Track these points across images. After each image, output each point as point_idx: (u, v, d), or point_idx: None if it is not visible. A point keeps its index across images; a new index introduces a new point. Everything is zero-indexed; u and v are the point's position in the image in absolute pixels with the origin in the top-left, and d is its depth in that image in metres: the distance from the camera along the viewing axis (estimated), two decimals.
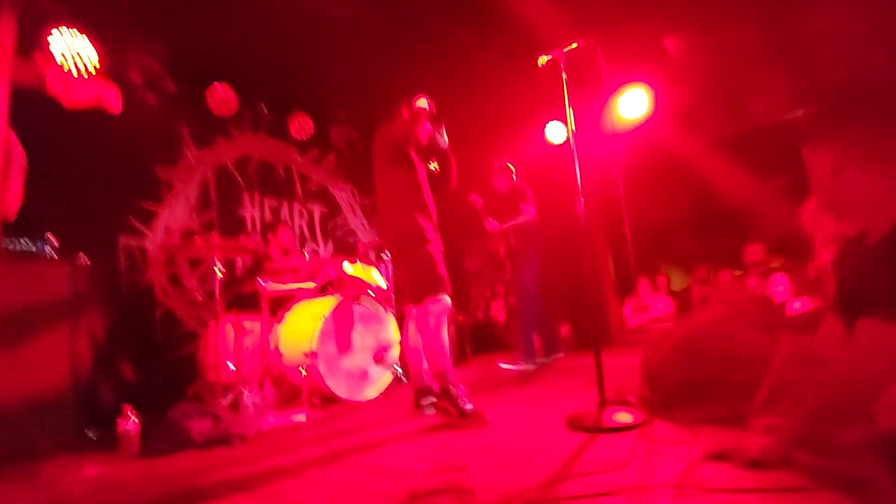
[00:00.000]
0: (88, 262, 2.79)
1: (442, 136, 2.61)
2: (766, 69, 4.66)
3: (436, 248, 2.39)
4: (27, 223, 2.47)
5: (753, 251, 4.75)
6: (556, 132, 5.32)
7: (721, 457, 1.29)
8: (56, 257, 2.67)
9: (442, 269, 2.35)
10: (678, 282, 6.26)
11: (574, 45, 2.15)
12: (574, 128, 2.16)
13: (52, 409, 2.40)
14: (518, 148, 5.29)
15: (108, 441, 2.26)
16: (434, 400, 2.36)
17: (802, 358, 1.26)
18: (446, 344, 2.30)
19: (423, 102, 2.52)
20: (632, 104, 5.05)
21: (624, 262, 5.48)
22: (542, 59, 2.22)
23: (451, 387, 2.21)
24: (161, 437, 2.22)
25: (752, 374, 1.83)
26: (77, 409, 2.49)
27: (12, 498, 1.69)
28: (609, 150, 5.03)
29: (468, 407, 2.15)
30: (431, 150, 2.62)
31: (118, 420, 2.25)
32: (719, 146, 5.07)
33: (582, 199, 2.14)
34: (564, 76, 2.18)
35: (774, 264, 4.43)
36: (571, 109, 2.16)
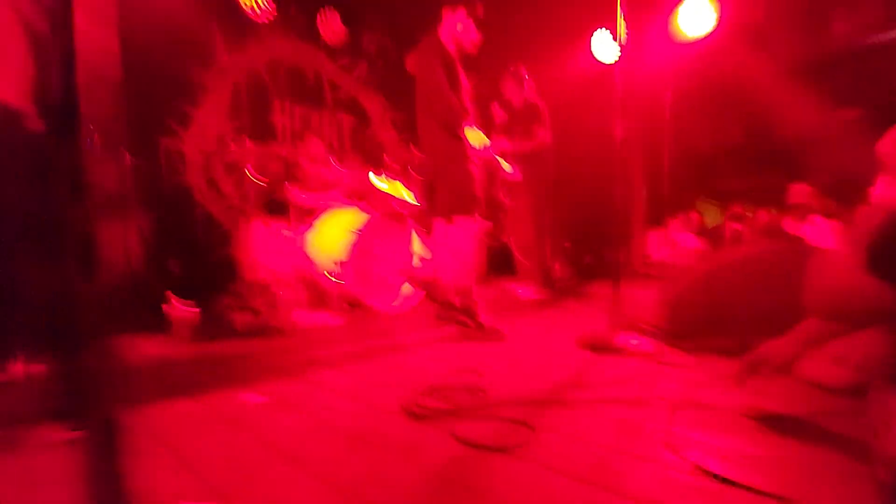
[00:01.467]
0: (131, 161, 2.91)
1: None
2: None
3: (475, 165, 2.37)
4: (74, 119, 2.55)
5: (798, 191, 4.52)
6: (603, 45, 4.89)
7: (751, 368, 1.21)
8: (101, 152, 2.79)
9: (477, 189, 2.35)
10: (712, 217, 6.09)
11: None
12: (624, 38, 2.01)
13: (106, 301, 2.66)
14: (561, 59, 4.94)
15: (163, 326, 2.51)
16: (456, 313, 2.50)
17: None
18: (472, 262, 2.38)
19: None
20: (695, 17, 4.56)
21: (659, 192, 5.32)
22: None
23: (471, 303, 2.32)
24: (208, 326, 2.47)
25: (768, 315, 1.87)
26: (132, 299, 2.74)
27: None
28: (661, 67, 4.64)
29: (486, 322, 2.28)
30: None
31: (168, 308, 2.48)
32: (787, 70, 4.60)
33: (621, 122, 2.06)
34: None
35: (818, 207, 4.23)
36: (623, 16, 1.99)
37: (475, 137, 2.33)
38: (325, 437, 1.15)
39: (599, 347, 1.92)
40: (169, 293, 2.54)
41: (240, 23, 4.26)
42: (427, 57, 2.36)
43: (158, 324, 2.50)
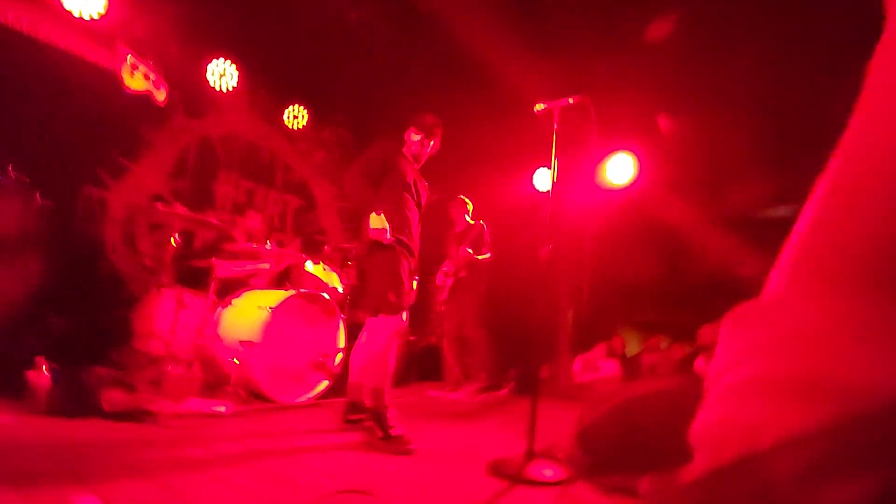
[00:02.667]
0: (43, 203, 2.66)
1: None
2: (752, 164, 4.93)
3: (405, 261, 2.34)
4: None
5: (708, 332, 4.89)
6: (543, 179, 5.44)
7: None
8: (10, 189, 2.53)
9: (405, 285, 2.30)
10: (631, 347, 6.37)
11: (571, 101, 2.22)
12: (556, 177, 2.22)
13: None
14: (508, 188, 5.38)
15: (16, 390, 2.09)
16: (363, 417, 2.30)
17: None
18: (390, 363, 2.25)
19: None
20: (618, 169, 5.24)
21: (583, 317, 5.56)
22: (539, 106, 2.28)
23: (382, 408, 2.15)
24: (70, 398, 2.07)
25: (683, 453, 1.86)
26: None
27: None
28: (589, 206, 5.17)
29: (395, 431, 2.09)
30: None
31: (28, 371, 2.09)
32: (698, 224, 5.27)
33: (550, 246, 2.18)
34: (556, 127, 2.25)
35: None
36: (557, 160, 2.22)
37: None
38: None
39: (512, 476, 1.78)
40: (37, 356, 2.16)
41: (204, 93, 4.34)
42: (395, 160, 2.49)
43: (19, 385, 2.08)
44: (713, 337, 4.37)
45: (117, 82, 3.54)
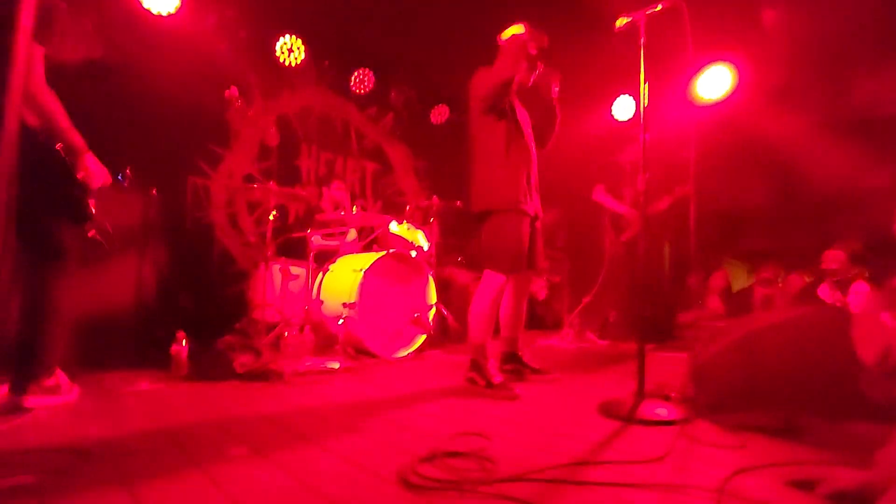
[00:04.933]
0: (159, 196, 2.97)
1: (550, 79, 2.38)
2: (879, 51, 4.08)
3: (518, 218, 2.21)
4: (111, 157, 2.66)
5: (833, 257, 4.30)
6: (624, 108, 4.98)
7: (804, 484, 1.12)
8: (129, 188, 2.85)
9: (513, 244, 2.18)
10: (740, 280, 5.83)
11: (658, 7, 1.94)
12: (647, 102, 1.98)
13: (118, 327, 2.62)
14: (583, 122, 5.02)
15: (164, 361, 2.44)
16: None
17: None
18: (490, 318, 2.22)
19: (520, 29, 2.28)
20: (713, 83, 4.62)
21: (685, 252, 5.16)
22: (621, 21, 2.01)
23: (482, 358, 2.17)
24: (208, 364, 2.38)
25: (819, 386, 1.67)
26: (139, 330, 2.70)
27: (78, 401, 1.86)
28: (683, 129, 4.66)
29: (496, 380, 2.12)
30: (536, 95, 2.40)
31: (172, 344, 2.42)
32: (813, 133, 4.55)
33: (645, 178, 1.98)
34: (642, 42, 1.98)
35: (852, 274, 4.00)
36: (647, 82, 1.97)
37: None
38: (304, 503, 1.01)
39: (623, 416, 1.73)
40: (178, 330, 2.48)
41: (275, 72, 4.48)
42: (482, 75, 2.32)
43: (163, 358, 2.43)
44: (839, 260, 3.84)
45: (201, 83, 3.79)
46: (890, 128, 4.15)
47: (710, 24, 3.70)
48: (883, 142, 4.05)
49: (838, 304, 3.88)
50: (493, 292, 2.19)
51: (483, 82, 2.25)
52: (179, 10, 3.61)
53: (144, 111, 3.55)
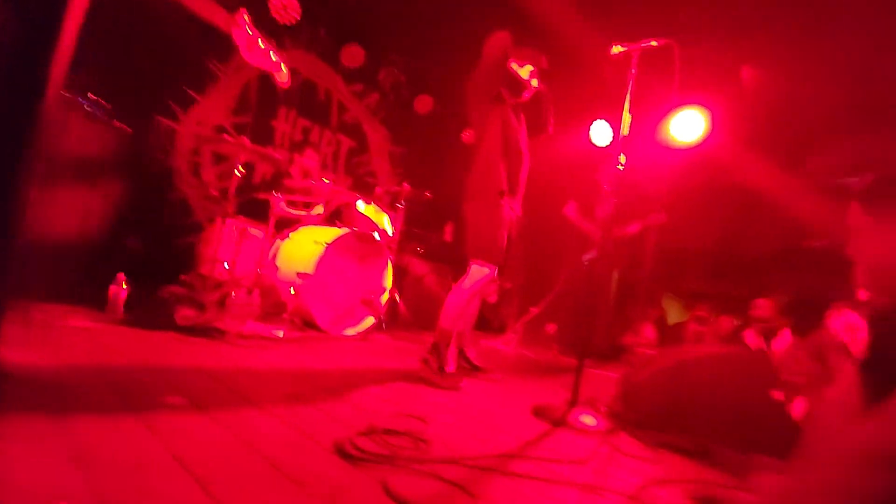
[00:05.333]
0: (124, 128, 2.80)
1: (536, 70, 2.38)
2: (835, 127, 4.47)
3: (500, 210, 2.22)
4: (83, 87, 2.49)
5: (762, 305, 4.67)
6: (601, 132, 5.14)
7: (707, 501, 1.25)
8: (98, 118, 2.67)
9: (496, 235, 2.20)
10: (675, 315, 6.21)
11: (654, 43, 2.05)
12: (627, 131, 2.08)
13: (61, 257, 2.45)
14: (562, 142, 5.16)
15: (100, 301, 2.31)
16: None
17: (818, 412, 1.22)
18: (467, 311, 2.25)
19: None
20: (687, 125, 4.88)
21: (633, 281, 5.42)
22: (617, 49, 2.11)
23: (443, 344, 2.20)
24: (146, 312, 2.27)
25: (734, 418, 1.83)
26: (81, 264, 2.53)
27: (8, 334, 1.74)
28: (657, 161, 4.90)
29: (450, 367, 2.17)
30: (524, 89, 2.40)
31: (111, 285, 2.30)
32: (767, 190, 4.92)
33: (613, 203, 2.09)
34: (633, 72, 2.09)
35: (778, 323, 4.37)
36: (629, 111, 2.08)
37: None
38: (241, 459, 1.01)
39: (554, 419, 1.83)
40: (119, 272, 2.36)
41: (267, 28, 4.31)
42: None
43: (100, 298, 2.31)
44: (768, 309, 4.16)
45: (186, 23, 3.58)
46: (834, 199, 4.56)
47: (689, 67, 3.91)
48: (827, 210, 4.43)
49: (761, 349, 4.23)
50: (478, 284, 2.21)
51: (480, 71, 2.28)
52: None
53: (119, 42, 3.33)
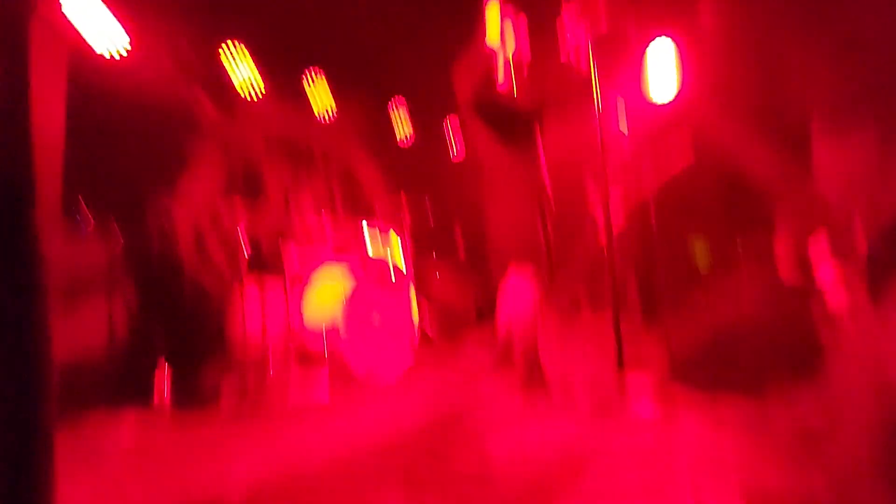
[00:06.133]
0: (120, 234, 2.85)
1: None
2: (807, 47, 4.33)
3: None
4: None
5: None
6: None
7: None
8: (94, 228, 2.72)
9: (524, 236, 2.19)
10: (702, 256, 6.08)
11: None
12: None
13: (92, 374, 2.50)
14: None
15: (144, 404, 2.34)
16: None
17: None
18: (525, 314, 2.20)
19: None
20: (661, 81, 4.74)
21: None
22: None
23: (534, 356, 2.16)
24: (191, 403, 2.30)
25: (777, 341, 1.79)
26: (114, 375, 2.59)
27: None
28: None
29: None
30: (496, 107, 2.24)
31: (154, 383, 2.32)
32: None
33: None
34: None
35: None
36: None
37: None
38: None
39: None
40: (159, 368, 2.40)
41: (229, 92, 4.35)
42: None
43: (142, 400, 2.34)
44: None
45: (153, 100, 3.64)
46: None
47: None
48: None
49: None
50: (525, 287, 2.18)
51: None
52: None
53: (92, 148, 3.40)
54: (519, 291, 2.17)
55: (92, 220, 2.73)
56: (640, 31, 1.93)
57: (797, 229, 4.31)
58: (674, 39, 4.48)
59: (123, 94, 3.43)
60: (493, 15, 2.06)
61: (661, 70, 4.72)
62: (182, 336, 3.61)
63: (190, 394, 2.36)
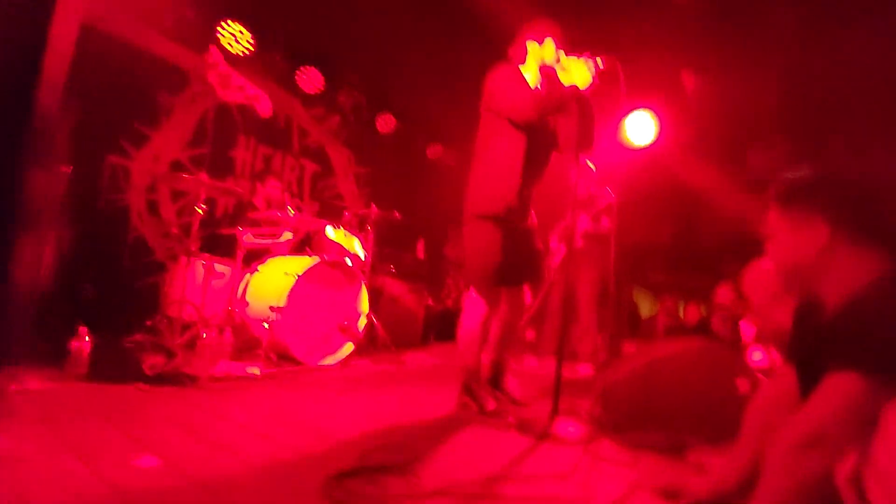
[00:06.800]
0: (70, 174, 2.68)
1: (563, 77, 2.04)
2: (773, 124, 4.77)
3: (501, 230, 2.04)
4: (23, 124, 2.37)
5: (724, 292, 4.88)
6: (640, 126, 5.23)
7: (667, 493, 1.30)
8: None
9: (486, 257, 2.04)
10: (646, 308, 6.42)
11: (599, 60, 2.12)
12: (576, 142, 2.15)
13: (5, 314, 2.31)
14: None
15: (57, 357, 2.19)
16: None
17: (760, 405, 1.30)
18: (477, 338, 2.11)
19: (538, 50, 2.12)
20: (639, 128, 5.09)
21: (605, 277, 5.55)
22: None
23: (474, 383, 2.11)
24: (111, 364, 2.17)
25: (704, 412, 1.92)
26: (31, 319, 2.40)
27: None
28: (608, 168, 5.09)
29: (490, 406, 2.08)
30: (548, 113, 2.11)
31: (71, 339, 2.19)
32: (714, 186, 5.19)
33: (575, 212, 2.15)
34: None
35: (741, 308, 4.57)
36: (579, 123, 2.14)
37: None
38: None
39: (538, 434, 1.85)
40: (77, 324, 2.24)
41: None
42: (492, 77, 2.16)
43: (57, 353, 2.18)
44: (729, 295, 4.36)
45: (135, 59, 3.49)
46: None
47: (636, 75, 4.08)
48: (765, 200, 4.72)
49: (728, 336, 4.41)
50: (475, 309, 2.10)
51: (515, 99, 2.05)
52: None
53: (67, 79, 3.22)
54: (466, 317, 2.14)
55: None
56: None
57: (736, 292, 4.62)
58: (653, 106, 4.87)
59: (108, 39, 3.29)
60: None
61: (641, 121, 5.06)
62: (112, 292, 3.42)
63: (110, 358, 2.21)
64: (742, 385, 2.01)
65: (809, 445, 0.88)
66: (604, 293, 4.10)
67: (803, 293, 1.15)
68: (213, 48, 3.32)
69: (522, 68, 2.19)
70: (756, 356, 3.42)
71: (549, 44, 2.15)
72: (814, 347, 1.02)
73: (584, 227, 3.96)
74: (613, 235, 4.04)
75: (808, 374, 1.01)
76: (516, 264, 2.08)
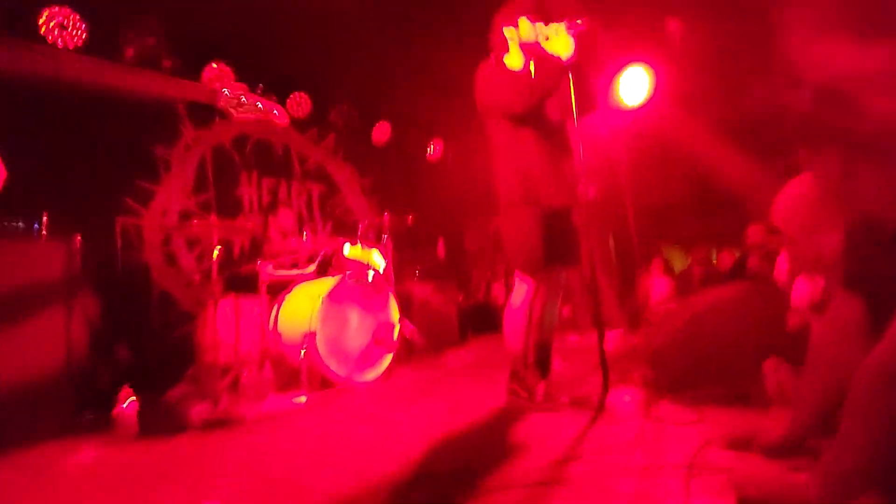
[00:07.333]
0: (82, 243, 2.72)
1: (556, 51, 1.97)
2: (766, 55, 4.56)
3: (526, 212, 2.03)
4: (22, 202, 2.42)
5: (755, 231, 4.70)
6: (634, 84, 5.10)
7: (738, 444, 1.24)
8: (47, 237, 2.59)
9: (524, 241, 2.03)
10: (679, 262, 6.23)
11: (579, 22, 2.03)
12: (575, 109, 2.07)
13: (48, 392, 2.34)
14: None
15: (105, 424, 2.21)
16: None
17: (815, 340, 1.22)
18: (524, 324, 2.05)
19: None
20: (633, 85, 4.93)
21: (625, 244, 5.43)
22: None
23: (522, 369, 2.05)
24: (159, 420, 2.19)
25: (758, 355, 1.83)
26: (73, 392, 2.44)
27: (9, 483, 1.66)
28: (610, 131, 4.96)
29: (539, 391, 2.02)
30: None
31: (115, 403, 2.21)
32: (720, 129, 5.01)
33: (585, 181, 2.06)
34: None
35: (776, 244, 4.39)
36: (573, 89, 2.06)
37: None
38: None
39: (595, 408, 1.79)
40: (122, 387, 2.27)
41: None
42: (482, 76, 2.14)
43: (105, 420, 2.21)
44: (760, 233, 4.19)
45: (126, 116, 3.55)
46: (775, 126, 4.65)
47: (624, 33, 3.96)
48: (772, 137, 4.51)
49: (768, 274, 4.24)
50: (522, 295, 2.07)
51: (509, 93, 2.02)
52: (91, 44, 3.40)
53: (62, 150, 3.30)
54: (516, 302, 2.09)
55: (49, 228, 2.59)
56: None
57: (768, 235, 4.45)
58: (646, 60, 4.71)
59: (95, 97, 3.32)
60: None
61: (634, 78, 4.92)
62: (147, 350, 3.48)
63: (156, 415, 2.22)
64: (793, 320, 1.91)
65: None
66: (605, 259, 3.96)
67: (853, 215, 1.06)
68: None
69: (507, 58, 2.13)
70: (801, 288, 3.25)
71: (524, 22, 2.08)
72: (883, 270, 0.94)
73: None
74: (601, 202, 3.88)
75: (880, 300, 0.93)
76: (554, 246, 2.04)
